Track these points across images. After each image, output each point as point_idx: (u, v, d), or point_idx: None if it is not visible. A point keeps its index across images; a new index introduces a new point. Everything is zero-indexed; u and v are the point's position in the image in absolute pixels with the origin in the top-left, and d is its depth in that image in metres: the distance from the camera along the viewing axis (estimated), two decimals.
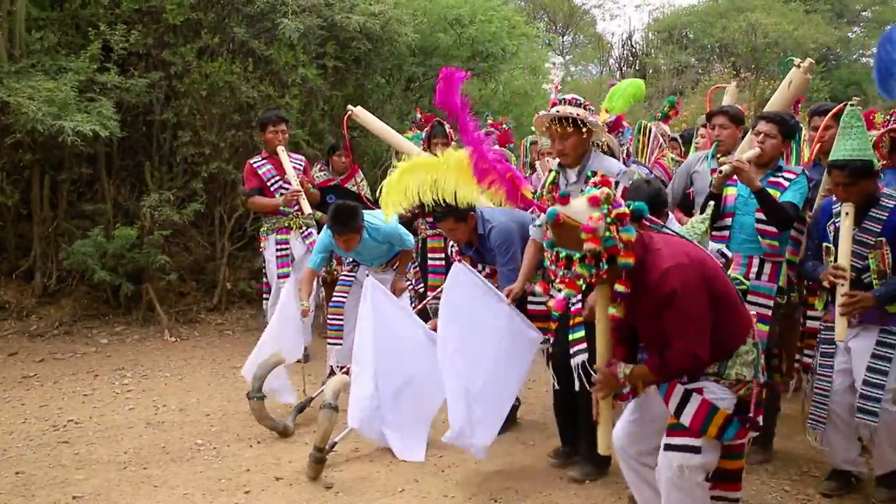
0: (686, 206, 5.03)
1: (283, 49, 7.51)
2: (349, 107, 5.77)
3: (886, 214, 3.62)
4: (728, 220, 4.14)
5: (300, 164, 6.44)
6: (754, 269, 4.08)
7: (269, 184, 6.27)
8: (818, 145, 4.77)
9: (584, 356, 3.88)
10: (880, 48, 3.97)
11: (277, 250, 6.31)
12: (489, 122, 8.62)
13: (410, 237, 5.50)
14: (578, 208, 2.71)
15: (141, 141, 7.69)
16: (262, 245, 6.50)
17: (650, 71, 21.72)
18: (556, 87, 5.26)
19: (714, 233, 4.05)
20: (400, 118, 9.75)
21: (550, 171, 4.20)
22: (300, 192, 6.09)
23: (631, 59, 24.43)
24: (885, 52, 3.91)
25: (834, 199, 3.81)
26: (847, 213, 3.61)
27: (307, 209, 6.07)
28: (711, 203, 3.90)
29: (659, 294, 2.74)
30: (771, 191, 3.99)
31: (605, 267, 2.70)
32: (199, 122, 7.42)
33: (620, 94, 5.72)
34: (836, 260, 3.65)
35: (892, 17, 25.03)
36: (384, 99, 9.41)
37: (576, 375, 3.93)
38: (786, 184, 4.06)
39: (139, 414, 5.06)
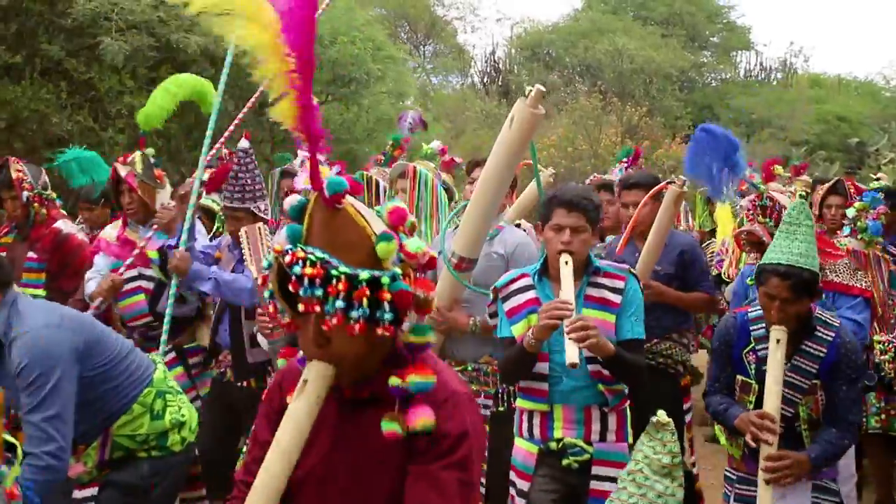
0: None
1: (106, 72, 6.34)
2: None
3: (824, 351, 2.77)
4: (544, 366, 2.79)
5: None
6: (596, 428, 2.82)
7: None
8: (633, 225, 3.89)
9: None
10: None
11: None
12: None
13: None
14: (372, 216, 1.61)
15: None
16: None
17: (513, 88, 21.56)
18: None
19: (521, 384, 2.89)
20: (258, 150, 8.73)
21: None
22: None
23: (494, 74, 24.27)
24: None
25: (750, 313, 2.92)
26: (779, 341, 2.69)
27: None
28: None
29: (438, 431, 1.57)
30: (595, 312, 2.76)
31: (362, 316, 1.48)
32: None
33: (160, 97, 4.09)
34: (757, 403, 2.77)
35: (738, 44, 26.38)
36: (237, 130, 8.33)
37: None
38: (614, 299, 2.80)
39: None
